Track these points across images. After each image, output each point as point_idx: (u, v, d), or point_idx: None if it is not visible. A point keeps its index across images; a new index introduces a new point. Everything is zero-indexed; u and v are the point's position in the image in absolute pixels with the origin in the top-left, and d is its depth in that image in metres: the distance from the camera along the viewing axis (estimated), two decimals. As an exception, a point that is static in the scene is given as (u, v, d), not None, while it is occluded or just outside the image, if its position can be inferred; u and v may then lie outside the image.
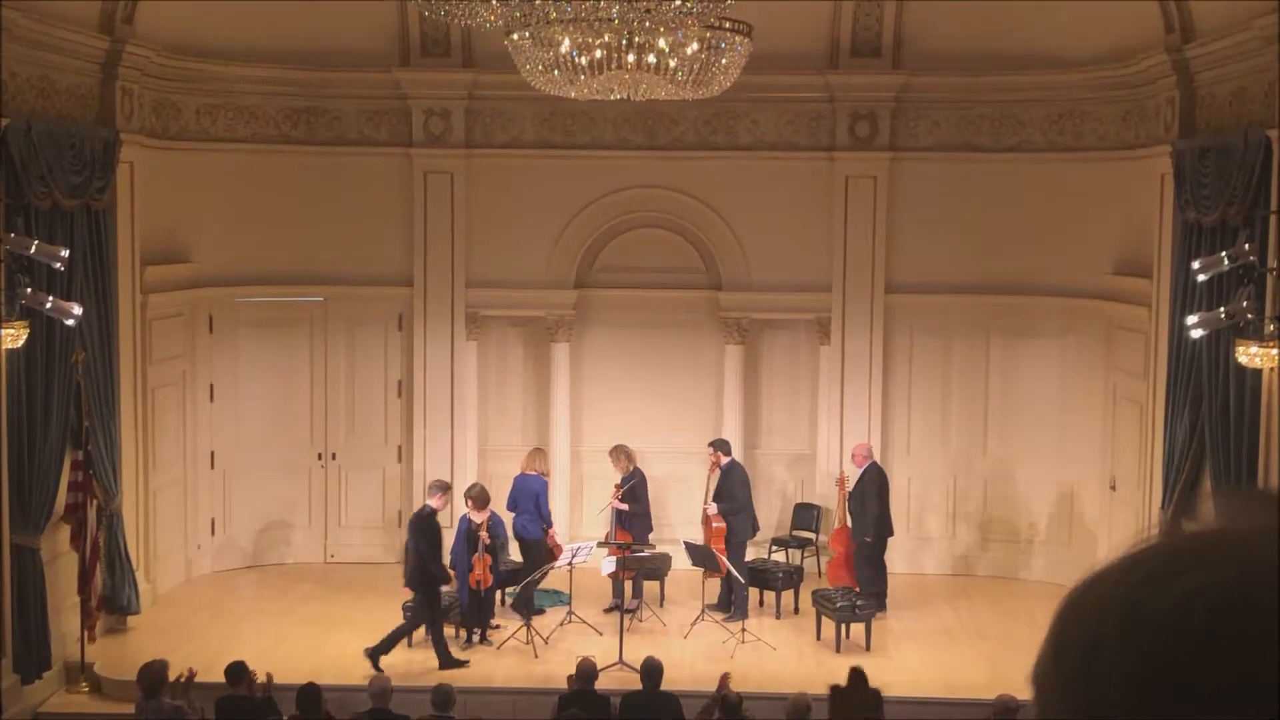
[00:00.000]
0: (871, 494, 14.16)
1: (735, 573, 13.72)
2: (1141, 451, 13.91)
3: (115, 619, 13.45)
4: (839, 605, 13.27)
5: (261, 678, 10.40)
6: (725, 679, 10.53)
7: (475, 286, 15.81)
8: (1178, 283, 12.55)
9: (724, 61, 10.96)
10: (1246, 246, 11.08)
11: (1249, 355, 10.93)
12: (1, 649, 11.66)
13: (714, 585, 14.09)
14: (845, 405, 15.65)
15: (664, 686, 10.66)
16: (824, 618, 13.42)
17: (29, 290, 11.26)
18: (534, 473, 14.31)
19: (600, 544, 13.98)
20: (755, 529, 14.52)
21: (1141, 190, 13.98)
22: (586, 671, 10.68)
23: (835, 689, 9.87)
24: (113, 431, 13.11)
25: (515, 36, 10.72)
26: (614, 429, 15.42)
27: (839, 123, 15.50)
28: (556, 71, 10.70)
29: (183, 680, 10.20)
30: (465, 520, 13.32)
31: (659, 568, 14.18)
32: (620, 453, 14.43)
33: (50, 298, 11.40)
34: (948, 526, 15.97)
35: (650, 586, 14.29)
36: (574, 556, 13.48)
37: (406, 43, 15.54)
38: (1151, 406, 13.61)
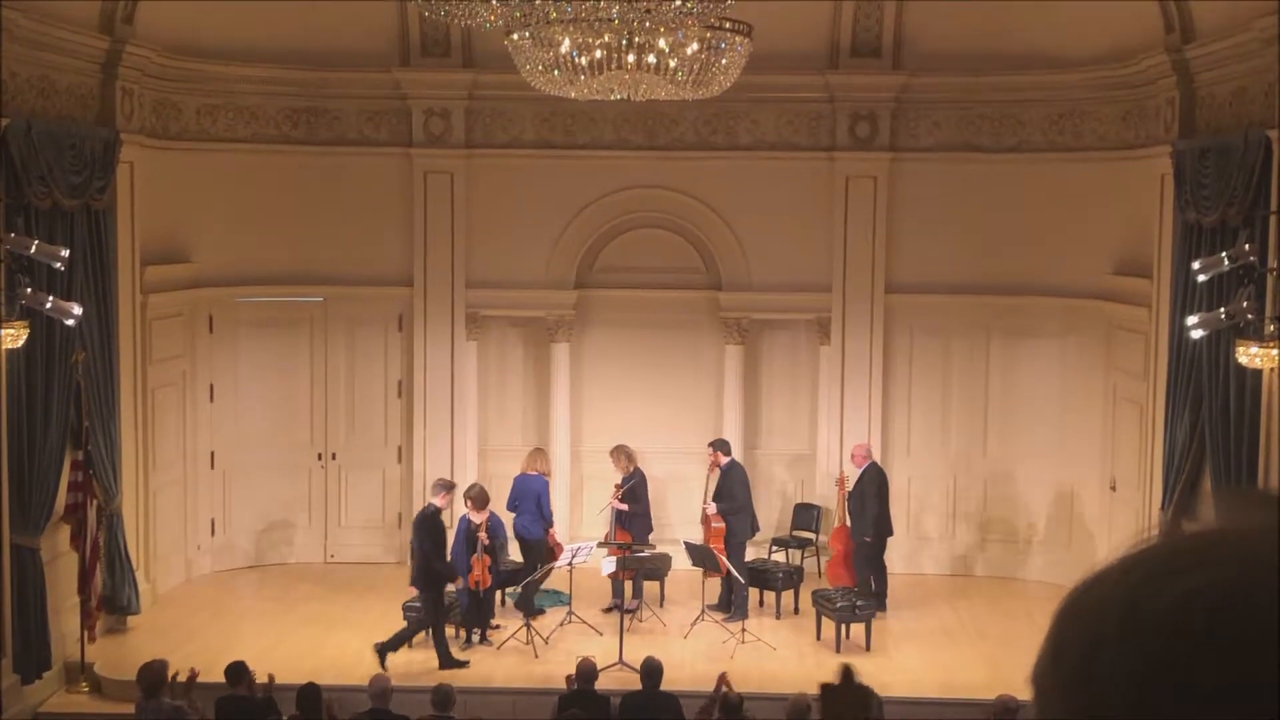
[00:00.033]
0: (871, 494, 14.16)
1: (735, 573, 13.72)
2: (1141, 452, 13.91)
3: (115, 619, 13.45)
4: (839, 605, 13.27)
5: (262, 678, 10.40)
6: (722, 678, 10.53)
7: (475, 287, 15.81)
8: (1178, 283, 12.55)
9: (724, 62, 10.96)
10: (1246, 247, 11.08)
11: (1249, 356, 10.93)
12: (1, 649, 11.66)
13: (714, 585, 14.09)
14: (845, 405, 15.65)
15: (664, 687, 10.66)
16: (824, 618, 13.42)
17: (29, 290, 11.26)
18: (534, 472, 14.31)
19: (600, 544, 13.98)
20: (755, 529, 14.53)
21: (1141, 190, 13.98)
22: (586, 672, 10.68)
23: (826, 686, 9.88)
24: (113, 431, 13.11)
25: (515, 36, 10.72)
26: (614, 429, 15.42)
27: (839, 123, 15.50)
28: (556, 72, 10.70)
29: (185, 681, 10.21)
30: (465, 520, 13.32)
31: (659, 568, 14.18)
32: (621, 453, 14.44)
33: (50, 298, 11.40)
34: (947, 527, 15.97)
35: (650, 587, 14.29)
36: (574, 557, 13.48)
37: (406, 43, 15.54)
38: (1151, 407, 13.61)
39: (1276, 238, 10.98)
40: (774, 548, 15.32)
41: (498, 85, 15.05)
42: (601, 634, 13.35)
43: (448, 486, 13.38)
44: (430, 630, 12.77)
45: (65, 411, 12.21)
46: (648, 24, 10.28)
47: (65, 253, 11.45)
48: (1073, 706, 0.96)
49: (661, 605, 14.28)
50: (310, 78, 15.41)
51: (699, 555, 13.73)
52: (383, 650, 12.48)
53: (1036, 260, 15.31)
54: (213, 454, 15.60)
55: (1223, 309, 11.27)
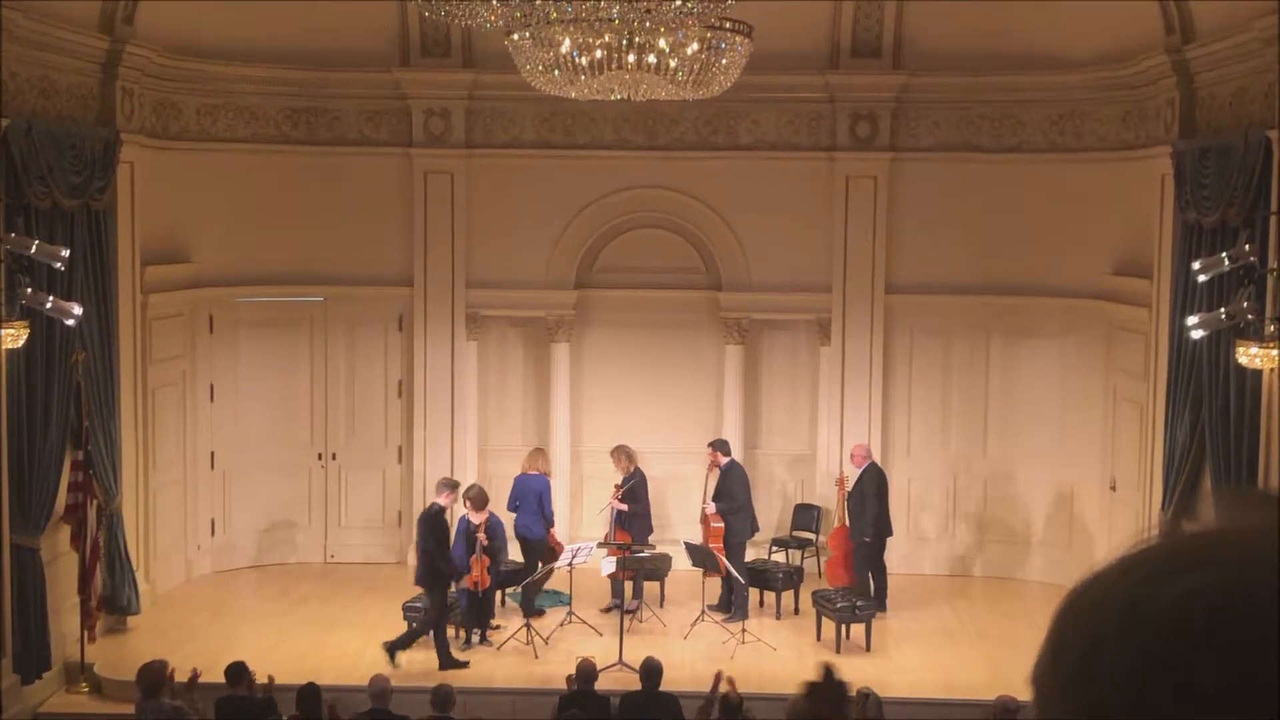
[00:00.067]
0: (870, 494, 14.17)
1: (735, 573, 13.72)
2: (1142, 452, 13.91)
3: (115, 619, 13.45)
4: (839, 606, 13.27)
5: (262, 679, 10.40)
6: (718, 677, 10.53)
7: (475, 287, 15.81)
8: (1178, 283, 12.55)
9: (724, 62, 10.96)
10: (1247, 247, 11.08)
11: (1249, 356, 10.93)
12: (1, 649, 11.66)
13: (714, 586, 14.09)
14: (845, 406, 15.65)
15: (664, 687, 10.65)
16: (824, 618, 13.42)
17: (29, 290, 11.26)
18: (535, 472, 14.31)
19: (600, 544, 13.98)
20: (754, 529, 14.53)
21: (1142, 191, 13.98)
22: (586, 672, 10.67)
23: (808, 685, 9.89)
24: (113, 431, 13.11)
25: (515, 37, 10.71)
26: (614, 429, 15.42)
27: (839, 123, 15.51)
28: (557, 72, 10.70)
29: (186, 681, 10.21)
30: (464, 521, 13.31)
31: (659, 568, 14.18)
32: (621, 453, 14.44)
33: (50, 298, 11.40)
34: (947, 527, 15.98)
35: (650, 587, 14.29)
36: (574, 557, 13.49)
37: (406, 43, 15.54)
38: (1152, 407, 13.61)
39: (1277, 238, 10.98)
40: (774, 548, 15.32)
41: (498, 85, 15.05)
42: (601, 634, 13.35)
43: (451, 485, 13.39)
44: (432, 630, 12.77)
45: (65, 411, 12.21)
46: (648, 24, 10.28)
47: (65, 253, 11.45)
48: (1072, 707, 0.96)
49: (661, 605, 14.28)
50: (310, 78, 15.41)
51: (699, 556, 13.73)
52: (392, 649, 12.50)
53: (1037, 260, 15.31)
54: (213, 454, 15.60)
55: (1223, 309, 11.27)
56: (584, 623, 13.65)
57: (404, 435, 16.09)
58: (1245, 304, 11.03)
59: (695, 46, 10.72)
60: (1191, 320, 11.74)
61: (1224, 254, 11.31)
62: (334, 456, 16.14)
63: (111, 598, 13.20)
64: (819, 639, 13.43)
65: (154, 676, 9.89)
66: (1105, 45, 14.43)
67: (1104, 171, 14.79)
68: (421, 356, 15.86)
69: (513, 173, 15.70)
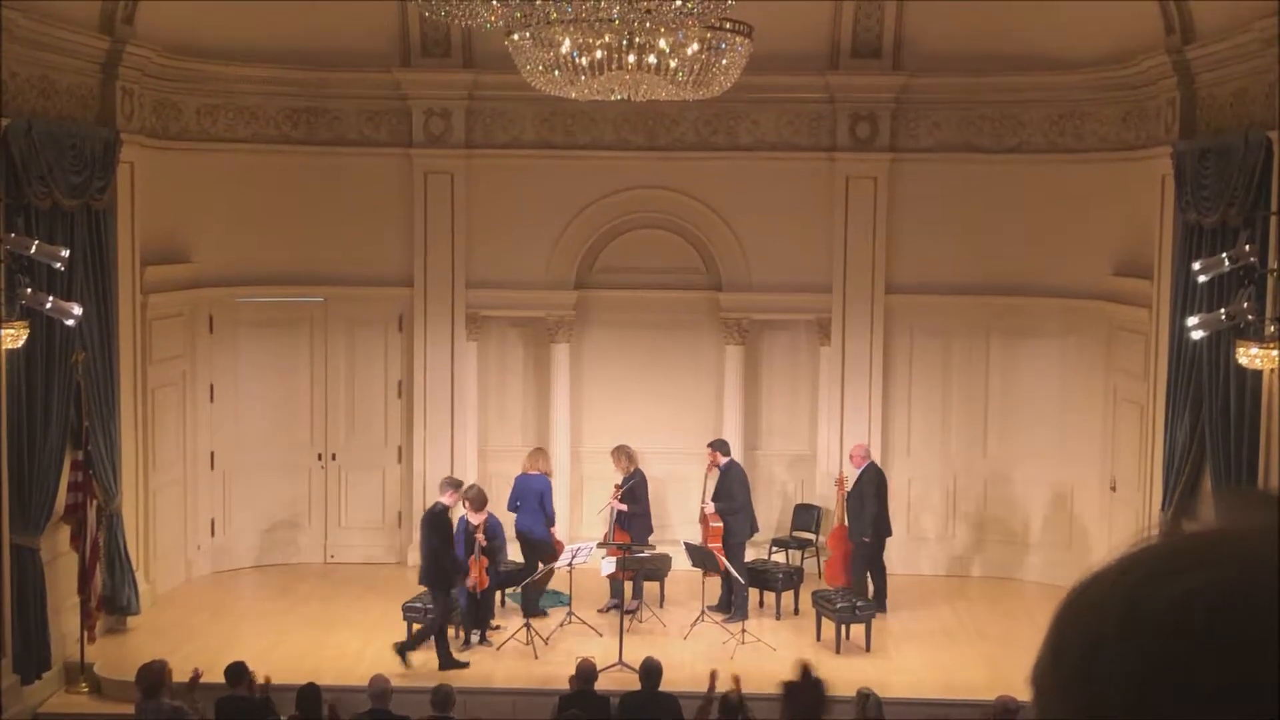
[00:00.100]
0: (870, 494, 14.17)
1: (735, 573, 13.72)
2: (1142, 453, 13.91)
3: (115, 619, 13.45)
4: (839, 606, 13.27)
5: (260, 679, 10.40)
6: (714, 676, 10.54)
7: (475, 287, 15.81)
8: (1178, 284, 12.55)
9: (724, 62, 10.96)
10: (1247, 248, 11.08)
11: (1249, 356, 10.93)
12: (1, 649, 11.66)
13: (714, 586, 14.09)
14: (845, 406, 15.65)
15: (665, 687, 10.66)
16: (824, 619, 13.42)
17: (29, 290, 11.26)
18: (536, 472, 14.32)
19: (599, 545, 13.99)
20: (754, 529, 14.52)
21: (1142, 191, 13.98)
22: (586, 672, 10.68)
23: (785, 685, 9.89)
24: (113, 431, 13.11)
25: (516, 37, 10.71)
26: (614, 430, 15.42)
27: (839, 123, 15.51)
28: (557, 72, 10.69)
29: (188, 681, 10.21)
30: (463, 521, 13.31)
31: (659, 568, 14.17)
32: (622, 453, 14.44)
33: (50, 298, 11.40)
34: (947, 527, 15.98)
35: (650, 587, 14.28)
36: (574, 557, 13.49)
37: (407, 43, 15.54)
38: (1152, 408, 13.61)
39: (1277, 238, 10.98)
40: (774, 548, 15.32)
41: (498, 85, 15.05)
42: (601, 635, 13.35)
43: (455, 485, 13.39)
44: (424, 629, 12.79)
45: (65, 411, 12.21)
46: (648, 24, 10.28)
47: (65, 253, 11.45)
48: (1072, 707, 0.96)
49: (661, 606, 14.28)
50: (310, 78, 15.41)
51: (699, 556, 13.73)
52: (403, 650, 12.51)
53: (1037, 261, 15.31)
54: (213, 454, 15.60)
55: (1223, 310, 11.27)
56: (584, 623, 13.65)
57: (404, 435, 16.09)
58: (1245, 304, 11.03)
59: (695, 47, 10.72)
60: (1192, 321, 11.74)
61: (1224, 254, 11.31)
62: (334, 457, 16.14)
63: (111, 598, 13.19)
64: (819, 639, 13.43)
65: (154, 676, 9.89)
66: (1105, 45, 14.43)
67: (1104, 172, 14.79)
68: (421, 357, 15.86)
69: (513, 173, 15.69)
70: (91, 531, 12.61)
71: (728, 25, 10.79)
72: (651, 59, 10.64)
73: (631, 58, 10.58)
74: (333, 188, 15.63)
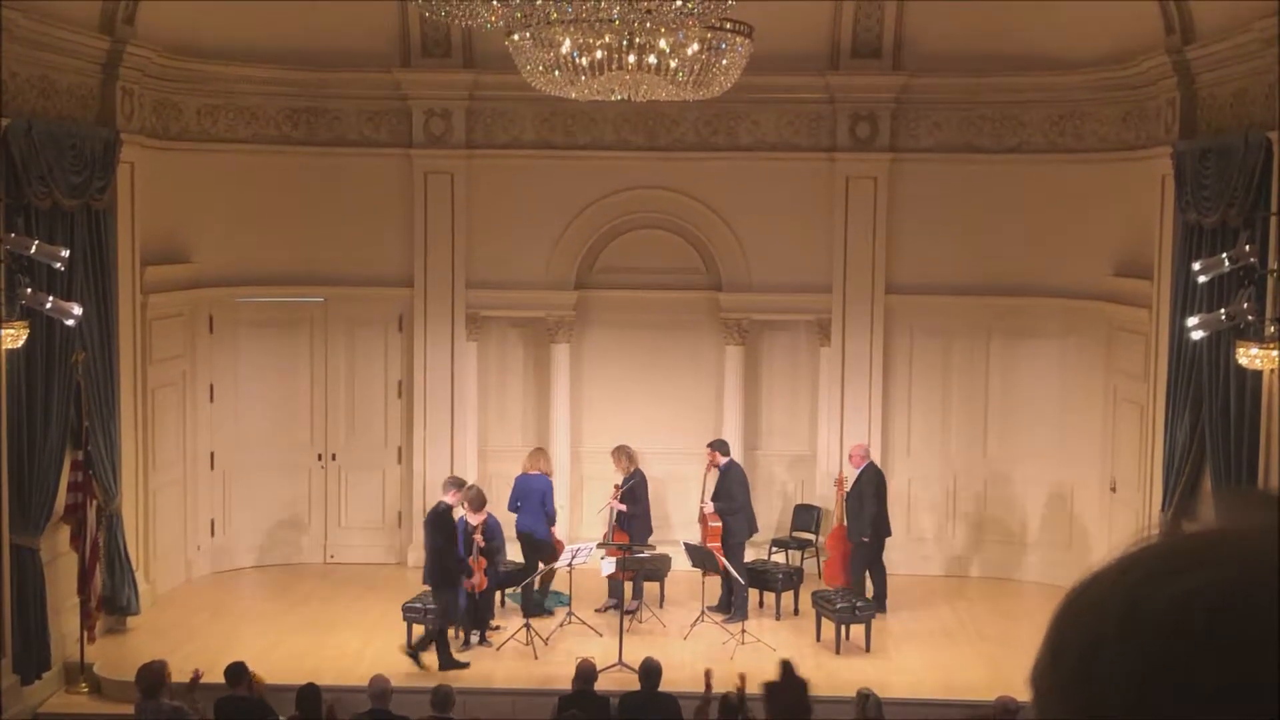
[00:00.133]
0: (869, 494, 14.17)
1: (735, 573, 13.71)
2: (1142, 453, 13.91)
3: (115, 619, 13.44)
4: (839, 606, 13.27)
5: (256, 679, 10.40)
6: (709, 675, 10.54)
7: (475, 287, 15.81)
8: (1178, 284, 12.55)
9: (725, 62, 10.96)
10: (1247, 248, 11.08)
11: (1249, 357, 10.92)
12: (1, 649, 11.65)
13: (714, 587, 14.08)
14: (845, 406, 15.65)
15: (664, 687, 10.66)
16: (824, 619, 13.42)
17: (29, 290, 11.26)
18: (537, 472, 14.32)
19: (599, 545, 13.99)
20: (753, 530, 14.51)
21: (1142, 191, 13.98)
22: (586, 672, 10.68)
23: (767, 686, 9.86)
24: (113, 431, 13.10)
25: (516, 37, 10.71)
26: (614, 430, 15.42)
27: (839, 124, 15.51)
28: (557, 72, 10.69)
29: (188, 682, 10.21)
30: (462, 522, 13.31)
31: (659, 569, 14.17)
32: (622, 453, 14.44)
33: (50, 298, 11.39)
34: (947, 527, 15.97)
35: (650, 587, 14.28)
36: (574, 557, 13.49)
37: (407, 43, 15.54)
38: (1152, 408, 13.61)
39: (1277, 239, 10.98)
40: (774, 549, 15.32)
41: (498, 86, 15.05)
42: (601, 635, 13.35)
43: (458, 484, 13.39)
44: (431, 629, 12.80)
45: (65, 411, 12.21)
46: (648, 24, 10.28)
47: (65, 253, 11.45)
48: (1072, 707, 0.96)
49: (661, 606, 14.28)
50: (310, 78, 15.41)
51: (699, 557, 13.73)
52: (415, 653, 12.51)
53: (1037, 261, 15.31)
54: (213, 454, 15.60)
55: (1223, 310, 11.27)
56: (584, 623, 13.65)
57: (404, 436, 16.09)
58: (1245, 305, 11.02)
59: (695, 47, 10.72)
60: (1192, 321, 11.74)
61: (1224, 255, 11.30)
62: (334, 457, 16.13)
63: (111, 598, 13.19)
64: (819, 640, 13.43)
65: (153, 677, 9.90)
66: (1106, 46, 14.43)
67: (1104, 172, 14.79)
68: (421, 357, 15.86)
69: (513, 173, 15.70)
70: (91, 531, 12.61)
71: (728, 25, 10.79)
72: (652, 59, 10.64)
73: (632, 58, 10.58)
74: (333, 188, 15.63)
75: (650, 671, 10.61)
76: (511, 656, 13.01)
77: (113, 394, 13.11)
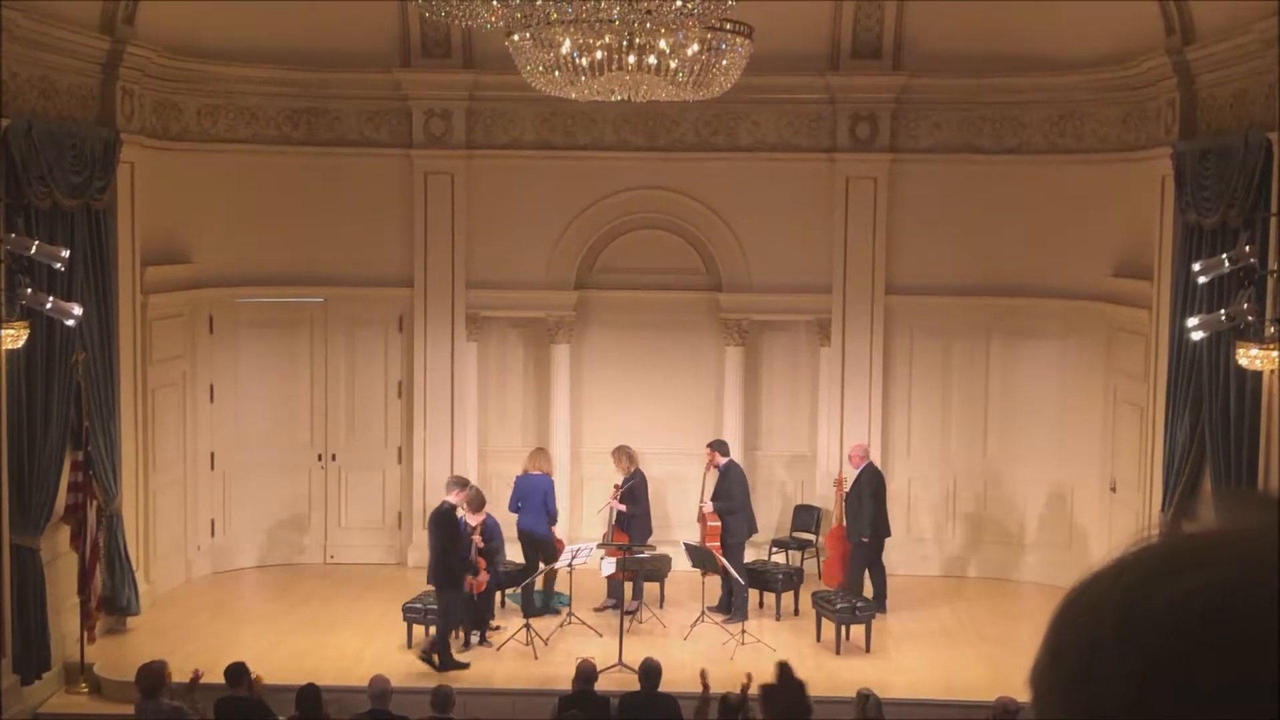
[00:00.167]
0: (867, 494, 14.17)
1: (734, 573, 13.71)
2: (1142, 453, 13.91)
3: (115, 620, 13.44)
4: (839, 607, 13.26)
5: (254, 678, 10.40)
6: (704, 675, 10.54)
7: (476, 287, 15.81)
8: (1178, 285, 12.54)
9: (725, 63, 10.96)
10: (1247, 249, 11.07)
11: (1249, 357, 10.92)
12: (1, 649, 11.65)
13: (714, 587, 14.08)
14: (845, 406, 15.65)
15: (665, 688, 10.66)
16: (824, 619, 13.42)
17: (29, 290, 11.26)
18: (539, 472, 14.32)
19: (599, 545, 13.99)
20: (752, 530, 14.51)
21: (1142, 192, 13.98)
22: (586, 673, 10.68)
23: (763, 689, 9.85)
24: (113, 432, 13.10)
25: (516, 37, 10.71)
26: (614, 430, 15.42)
27: (839, 124, 15.51)
28: (557, 72, 10.69)
29: (188, 682, 10.21)
30: (461, 523, 13.31)
31: (659, 569, 14.17)
32: (622, 453, 14.44)
33: (50, 298, 11.39)
34: (947, 528, 15.97)
35: (650, 588, 14.28)
36: (574, 558, 13.49)
37: (407, 43, 15.54)
38: (1152, 409, 13.61)
39: (1277, 240, 10.98)
40: (774, 549, 15.31)
41: (498, 86, 15.05)
42: (601, 635, 13.35)
43: (461, 484, 13.39)
44: (437, 629, 12.80)
45: (65, 412, 12.21)
46: (648, 25, 10.28)
47: (65, 253, 11.45)
48: (1071, 708, 0.96)
49: (661, 606, 14.28)
50: (310, 78, 15.41)
51: (699, 557, 13.73)
52: (427, 656, 12.51)
53: (1037, 262, 15.31)
54: (213, 454, 15.60)
55: (1223, 311, 11.27)
56: (584, 624, 13.64)
57: (404, 436, 16.09)
58: (1245, 305, 11.02)
59: (695, 47, 10.72)
60: (1192, 322, 11.74)
61: (1224, 255, 11.30)
62: (334, 457, 16.13)
63: (111, 598, 13.19)
64: (819, 640, 13.42)
65: (153, 677, 9.89)
66: (1106, 46, 14.43)
67: (1104, 173, 14.79)
68: (421, 357, 15.85)
69: (513, 173, 15.70)
70: (91, 532, 12.61)
71: (728, 26, 10.79)
72: (652, 60, 10.64)
73: (632, 58, 10.58)
74: (333, 188, 15.63)
75: (650, 672, 10.61)
76: (511, 656, 13.01)
77: (113, 394, 13.11)
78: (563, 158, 15.66)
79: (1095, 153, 14.97)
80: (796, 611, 14.28)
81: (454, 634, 13.01)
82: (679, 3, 9.90)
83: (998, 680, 11.49)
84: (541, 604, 13.96)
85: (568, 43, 10.42)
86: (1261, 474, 10.91)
